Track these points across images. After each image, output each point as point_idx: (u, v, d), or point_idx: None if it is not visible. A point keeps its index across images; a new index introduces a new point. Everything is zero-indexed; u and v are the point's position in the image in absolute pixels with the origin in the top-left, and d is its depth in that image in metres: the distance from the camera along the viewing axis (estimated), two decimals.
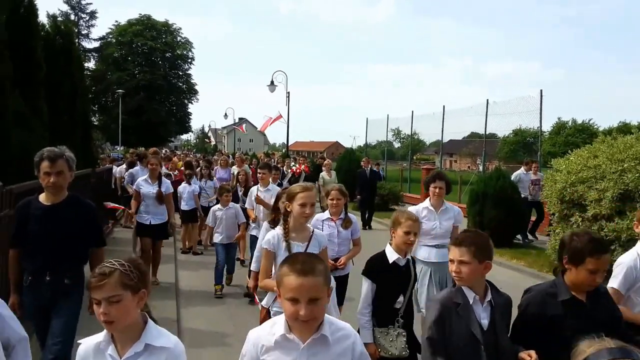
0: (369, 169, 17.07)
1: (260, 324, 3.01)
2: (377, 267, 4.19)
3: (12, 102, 7.02)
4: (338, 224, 5.97)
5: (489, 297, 3.03)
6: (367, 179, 16.56)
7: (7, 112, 6.71)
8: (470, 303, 2.97)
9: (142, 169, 11.65)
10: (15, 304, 4.11)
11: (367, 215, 16.49)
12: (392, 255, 4.23)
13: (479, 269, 2.96)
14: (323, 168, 17.33)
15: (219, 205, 9.06)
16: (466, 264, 2.94)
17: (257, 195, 8.21)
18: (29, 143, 7.68)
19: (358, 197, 16.54)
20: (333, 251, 5.71)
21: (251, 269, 5.66)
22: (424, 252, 5.97)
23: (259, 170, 8.82)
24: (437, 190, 6.06)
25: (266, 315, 4.15)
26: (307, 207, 4.15)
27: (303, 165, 17.31)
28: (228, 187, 9.72)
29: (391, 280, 4.15)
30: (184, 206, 11.70)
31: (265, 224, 5.54)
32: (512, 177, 13.66)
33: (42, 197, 4.16)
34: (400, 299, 4.15)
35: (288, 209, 4.22)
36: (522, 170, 14.06)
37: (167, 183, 8.81)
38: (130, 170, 12.59)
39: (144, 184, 8.63)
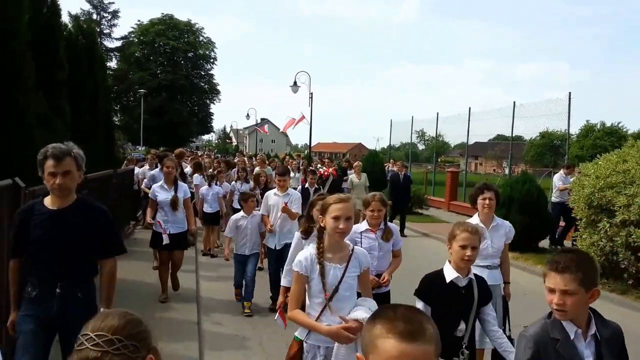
0: (402, 173, 15.96)
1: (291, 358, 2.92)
2: (432, 286, 3.70)
3: (34, 102, 6.99)
4: (378, 236, 5.37)
5: (593, 329, 2.59)
6: (400, 183, 15.70)
7: (29, 113, 6.68)
8: (572, 339, 2.55)
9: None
10: (14, 322, 3.75)
11: (399, 223, 15.45)
12: (450, 274, 3.70)
13: (585, 299, 2.52)
14: (351, 170, 16.60)
15: (241, 213, 8.02)
16: (571, 295, 2.47)
17: (284, 205, 7.72)
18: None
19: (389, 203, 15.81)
20: (373, 266, 5.07)
21: (282, 284, 5.42)
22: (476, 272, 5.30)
23: (278, 177, 8.21)
24: (486, 202, 5.40)
25: (298, 350, 3.52)
26: (342, 221, 3.45)
27: (331, 169, 16.50)
28: (251, 192, 8.85)
29: (449, 302, 3.61)
30: (207, 208, 11.68)
31: (297, 235, 5.23)
32: (555, 180, 13.28)
33: (47, 201, 3.76)
34: (461, 327, 3.62)
35: (322, 224, 3.58)
36: (561, 173, 13.55)
37: (184, 187, 8.11)
38: (152, 172, 11.92)
39: (159, 191, 7.94)
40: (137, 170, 14.26)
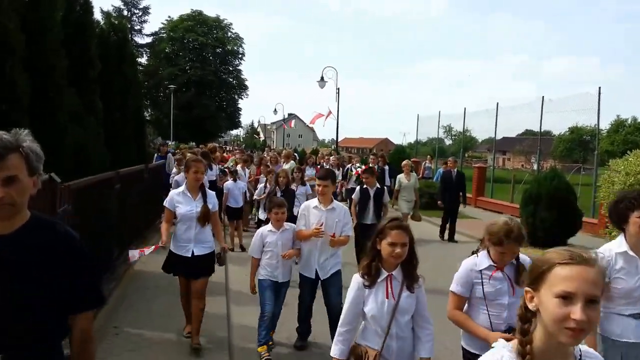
0: (455, 170, 14.11)
1: None
2: None
3: (67, 100, 7.17)
4: (507, 275, 3.62)
5: None
6: (453, 183, 13.76)
7: (62, 110, 6.86)
8: None
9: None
10: None
11: (449, 227, 13.91)
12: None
13: None
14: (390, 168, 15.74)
15: (269, 227, 6.06)
16: None
17: (331, 237, 5.92)
18: (84, 140, 7.87)
19: (440, 203, 14.10)
20: (503, 318, 3.65)
21: (332, 353, 3.92)
22: (617, 325, 3.66)
23: (318, 182, 6.22)
24: None
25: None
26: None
27: (363, 166, 14.48)
28: (281, 200, 6.45)
29: None
30: (232, 203, 11.73)
31: (356, 280, 3.59)
32: None
33: None
34: None
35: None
36: None
37: (213, 197, 6.17)
38: (176, 177, 11.15)
39: (181, 201, 5.93)
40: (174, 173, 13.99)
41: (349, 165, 17.05)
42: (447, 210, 13.81)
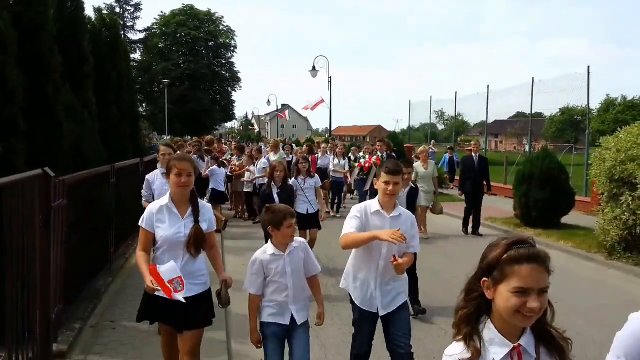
0: (477, 155, 12.52)
1: None
2: None
3: (62, 95, 7.21)
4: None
5: None
6: (476, 169, 12.31)
7: (58, 105, 6.89)
8: None
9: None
10: None
11: (474, 218, 12.55)
12: None
13: None
14: (415, 157, 13.61)
15: (269, 248, 4.15)
16: None
17: (394, 259, 4.00)
18: (79, 135, 7.91)
19: (460, 193, 12.96)
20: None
21: None
22: None
23: (387, 177, 4.28)
24: None
25: None
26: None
27: (374, 157, 13.30)
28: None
29: None
30: (218, 186, 12.40)
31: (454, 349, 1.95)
32: None
33: None
34: None
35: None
36: None
37: (207, 211, 4.31)
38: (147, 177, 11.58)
39: (164, 219, 4.12)
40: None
41: (359, 155, 15.21)
42: (470, 200, 12.48)
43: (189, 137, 44.55)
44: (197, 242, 4.07)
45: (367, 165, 12.91)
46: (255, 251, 4.19)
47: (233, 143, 28.84)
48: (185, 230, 4.05)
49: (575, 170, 17.43)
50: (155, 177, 7.07)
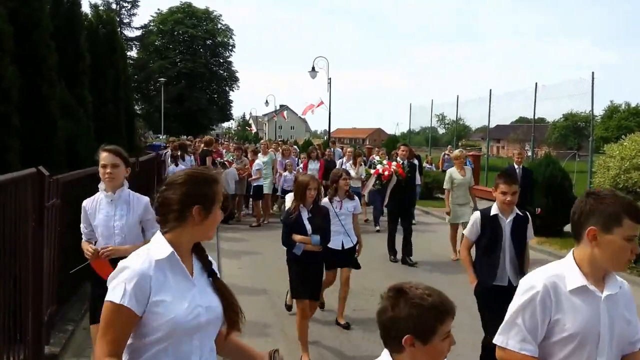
0: (520, 167, 10.09)
1: None
2: None
3: (58, 92, 7.07)
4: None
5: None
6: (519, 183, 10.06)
7: (53, 102, 6.76)
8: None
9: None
10: None
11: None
12: None
13: None
14: (450, 161, 13.10)
15: None
16: None
17: None
18: (74, 133, 7.76)
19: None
20: None
21: None
22: None
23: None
24: None
25: None
26: None
27: (393, 164, 10.39)
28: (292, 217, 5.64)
29: None
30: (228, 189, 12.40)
31: None
32: None
33: None
34: None
35: None
36: None
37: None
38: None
39: (166, 287, 2.12)
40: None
41: (374, 160, 12.49)
42: None
43: (185, 137, 44.40)
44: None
45: (386, 173, 10.28)
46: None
47: (231, 144, 28.70)
48: (205, 302, 2.25)
49: (578, 177, 17.32)
50: (97, 205, 4.53)
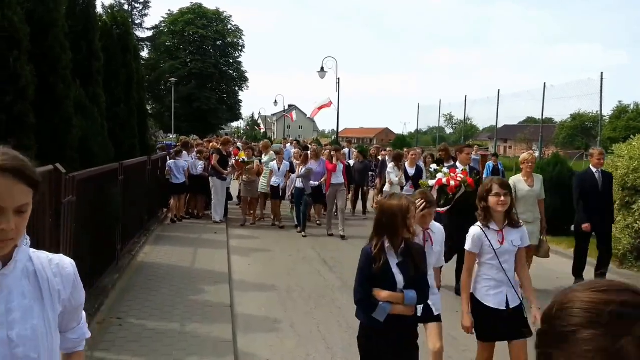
0: (599, 171, 8.36)
1: None
2: None
3: (72, 91, 7.20)
4: None
5: None
6: (599, 191, 8.28)
7: (68, 101, 6.88)
8: None
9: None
10: None
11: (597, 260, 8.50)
12: None
13: None
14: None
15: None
16: None
17: None
18: (88, 132, 7.89)
19: (587, 227, 8.23)
20: None
21: None
22: None
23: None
24: None
25: None
26: None
27: (458, 172, 8.16)
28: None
29: None
30: (175, 180, 12.88)
31: None
32: None
33: None
34: None
35: None
36: None
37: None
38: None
39: None
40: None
41: (431, 168, 9.41)
42: (586, 236, 8.51)
43: (195, 137, 44.60)
44: None
45: (452, 183, 7.97)
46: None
47: (238, 142, 28.73)
48: None
49: None
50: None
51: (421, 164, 12.53)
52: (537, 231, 7.75)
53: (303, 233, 12.30)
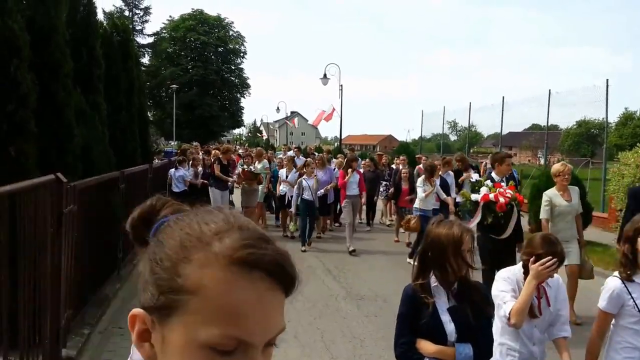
0: None
1: None
2: None
3: (73, 99, 7.14)
4: None
5: None
6: None
7: (69, 109, 6.82)
8: None
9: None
10: None
11: None
12: None
13: None
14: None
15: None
16: None
17: None
18: (89, 139, 7.83)
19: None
20: None
21: None
22: None
23: None
24: None
25: None
26: None
27: (506, 187, 7.00)
28: None
29: None
30: (174, 188, 12.55)
31: None
32: None
33: None
34: None
35: None
36: None
37: None
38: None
39: None
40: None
41: (472, 177, 10.59)
42: None
43: (195, 144, 44.64)
44: None
45: (501, 200, 6.69)
46: None
47: (240, 149, 28.67)
48: None
49: (591, 185, 17.20)
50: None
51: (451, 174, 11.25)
52: (577, 250, 7.11)
53: (303, 247, 11.40)
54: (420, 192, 10.32)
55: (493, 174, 7.43)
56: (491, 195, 6.77)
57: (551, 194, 7.17)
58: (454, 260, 2.82)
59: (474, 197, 7.08)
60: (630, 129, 51.07)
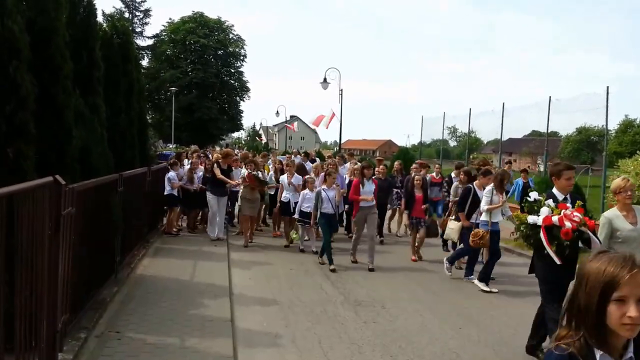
0: None
1: None
2: None
3: (72, 101, 7.11)
4: None
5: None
6: None
7: (68, 111, 6.79)
8: None
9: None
10: None
11: None
12: None
13: None
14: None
15: None
16: None
17: None
18: (87, 142, 7.79)
19: None
20: None
21: None
22: None
23: None
24: None
25: None
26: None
27: (572, 209, 5.76)
28: None
29: None
30: (169, 191, 12.90)
31: None
32: None
33: None
34: None
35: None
36: None
37: None
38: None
39: None
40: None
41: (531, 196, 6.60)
42: None
43: (194, 146, 44.61)
44: None
45: (568, 225, 5.58)
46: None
47: (239, 152, 28.65)
48: None
49: (591, 192, 17.20)
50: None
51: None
52: None
53: (332, 267, 10.18)
54: (483, 204, 9.27)
55: (554, 191, 6.08)
56: (554, 218, 5.63)
57: (611, 216, 5.90)
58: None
59: (531, 219, 5.85)
60: (630, 136, 51.22)
